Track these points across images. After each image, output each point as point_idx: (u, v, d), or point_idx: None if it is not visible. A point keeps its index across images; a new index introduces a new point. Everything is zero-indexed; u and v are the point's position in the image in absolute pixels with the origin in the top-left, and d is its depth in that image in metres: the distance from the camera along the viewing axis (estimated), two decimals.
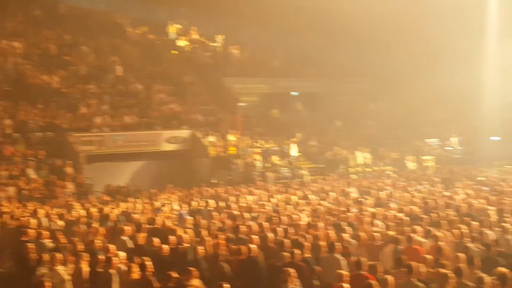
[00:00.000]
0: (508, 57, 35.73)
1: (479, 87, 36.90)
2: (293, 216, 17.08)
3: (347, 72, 42.49)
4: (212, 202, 21.10)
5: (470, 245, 12.68)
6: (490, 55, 35.51)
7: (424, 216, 16.25)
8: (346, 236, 13.80)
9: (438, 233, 13.55)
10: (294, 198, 21.70)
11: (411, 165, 35.10)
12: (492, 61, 35.49)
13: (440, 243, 12.74)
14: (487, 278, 9.84)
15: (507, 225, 14.18)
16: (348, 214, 17.21)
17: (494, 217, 15.66)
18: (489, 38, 35.32)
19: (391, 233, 14.13)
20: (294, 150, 34.34)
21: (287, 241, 13.13)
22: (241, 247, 12.71)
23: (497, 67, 35.87)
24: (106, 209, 20.04)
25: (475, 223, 14.92)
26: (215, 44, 42.90)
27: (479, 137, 36.55)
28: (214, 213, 18.71)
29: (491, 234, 13.77)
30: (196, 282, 10.79)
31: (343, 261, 12.06)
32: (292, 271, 10.81)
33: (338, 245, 12.63)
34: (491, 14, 34.12)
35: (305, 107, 42.11)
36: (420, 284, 10.33)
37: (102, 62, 37.30)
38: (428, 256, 11.73)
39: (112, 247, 12.98)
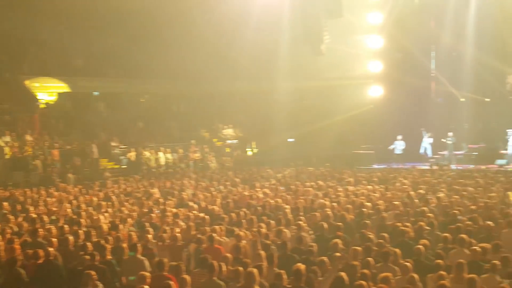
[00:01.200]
0: (300, 62, 37.36)
1: (276, 91, 38.42)
2: (94, 218, 16.78)
3: (149, 73, 42.42)
4: (7, 205, 20.10)
5: (268, 242, 13.19)
6: (284, 60, 36.94)
7: (225, 215, 16.66)
8: (149, 237, 13.81)
9: (239, 232, 13.95)
10: (96, 200, 21.29)
11: (213, 165, 35.82)
12: (286, 65, 36.95)
13: (240, 242, 13.12)
14: (284, 275, 10.31)
15: (301, 222, 14.90)
16: (151, 215, 17.22)
17: (290, 215, 16.37)
18: (283, 43, 36.69)
19: (193, 233, 14.35)
20: (96, 151, 33.70)
21: (88, 244, 12.88)
22: (38, 250, 12.25)
23: (291, 72, 37.51)
24: None
25: (273, 222, 15.55)
26: (11, 40, 40.72)
27: (276, 138, 38.05)
28: (10, 217, 17.81)
29: (287, 232, 14.42)
30: None
31: (146, 262, 12.05)
32: (93, 273, 10.64)
33: (140, 246, 12.61)
34: (284, 19, 35.47)
35: (107, 107, 41.45)
36: (221, 282, 10.58)
37: None
38: (229, 255, 12.05)
39: None
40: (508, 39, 34.52)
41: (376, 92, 36.49)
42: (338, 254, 12.02)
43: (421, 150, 35.21)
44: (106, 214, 17.77)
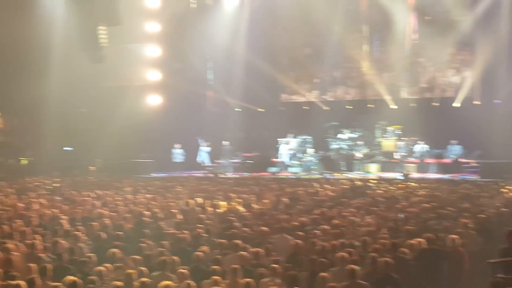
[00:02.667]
0: (77, 69, 36.47)
1: (51, 97, 37.10)
2: None
3: None
4: None
5: (42, 255, 12.73)
6: (59, 66, 35.75)
7: None
8: None
9: (9, 245, 13.30)
10: None
11: None
12: (61, 71, 35.82)
13: (11, 255, 12.52)
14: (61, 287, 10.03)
15: (79, 233, 14.57)
16: None
17: (67, 226, 15.94)
18: (58, 48, 35.52)
19: None
20: None
21: None
22: None
23: (67, 78, 36.48)
24: None
25: (48, 233, 15.04)
26: None
27: (52, 146, 36.78)
28: None
29: (64, 243, 14.00)
30: None
31: None
32: None
33: None
34: (59, 24, 34.38)
35: None
36: None
37: None
38: None
39: None
40: (279, 51, 36.44)
41: (154, 101, 36.68)
42: (109, 265, 11.86)
43: (199, 159, 35.88)
44: None
